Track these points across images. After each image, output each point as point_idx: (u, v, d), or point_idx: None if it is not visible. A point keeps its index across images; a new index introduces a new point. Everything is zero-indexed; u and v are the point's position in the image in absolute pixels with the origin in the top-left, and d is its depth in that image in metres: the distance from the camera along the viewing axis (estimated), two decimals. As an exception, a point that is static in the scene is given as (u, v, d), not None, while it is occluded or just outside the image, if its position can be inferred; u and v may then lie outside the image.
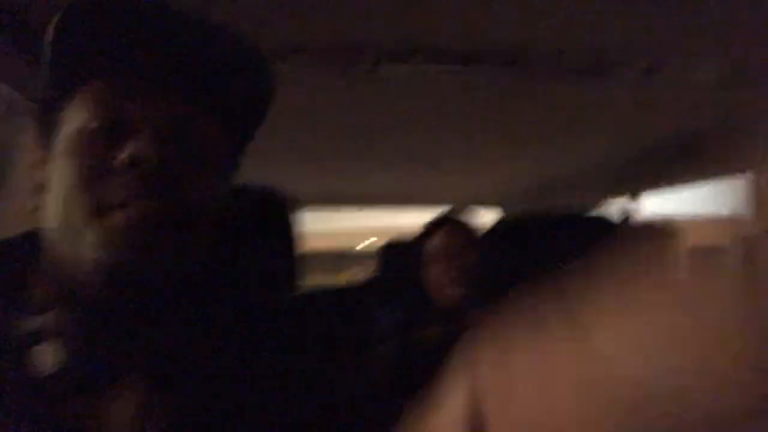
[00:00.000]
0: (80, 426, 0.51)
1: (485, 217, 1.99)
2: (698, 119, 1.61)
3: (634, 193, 2.24)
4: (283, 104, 1.46)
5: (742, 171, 1.89)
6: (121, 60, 0.57)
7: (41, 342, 0.51)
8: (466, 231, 1.81)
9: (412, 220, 2.56)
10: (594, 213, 1.20)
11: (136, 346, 0.55)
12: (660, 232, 1.85)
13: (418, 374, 1.22)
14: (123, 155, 0.53)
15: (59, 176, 0.56)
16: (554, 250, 1.10)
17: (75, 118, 0.57)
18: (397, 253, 2.07)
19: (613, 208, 2.27)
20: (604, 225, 1.17)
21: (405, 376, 1.44)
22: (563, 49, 1.24)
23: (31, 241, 0.60)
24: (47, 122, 0.61)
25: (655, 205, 2.35)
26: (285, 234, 0.97)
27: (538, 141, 1.88)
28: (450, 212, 1.88)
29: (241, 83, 0.62)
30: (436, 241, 1.79)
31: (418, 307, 1.80)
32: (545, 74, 1.32)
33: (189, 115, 0.58)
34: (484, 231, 1.17)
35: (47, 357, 0.51)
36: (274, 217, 0.97)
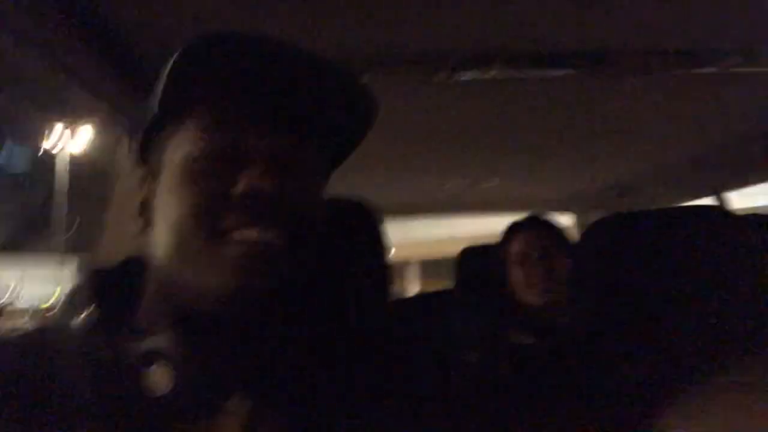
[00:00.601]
0: None
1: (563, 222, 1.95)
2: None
3: (718, 191, 2.17)
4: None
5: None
6: (232, 91, 0.59)
7: (152, 364, 0.53)
8: (553, 232, 1.74)
9: (485, 228, 2.54)
10: (699, 205, 1.15)
11: (244, 367, 0.56)
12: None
13: (508, 383, 1.21)
14: (241, 185, 0.55)
15: (170, 203, 0.57)
16: (662, 248, 1.05)
17: (183, 146, 0.58)
18: (478, 258, 2.03)
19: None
20: (713, 217, 1.10)
21: (494, 385, 1.41)
22: (649, 49, 1.22)
23: (137, 265, 0.62)
24: (151, 148, 0.63)
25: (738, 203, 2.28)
26: (377, 244, 0.98)
27: (618, 143, 1.84)
28: (533, 215, 1.83)
29: (344, 112, 0.64)
30: (522, 242, 1.73)
31: (503, 314, 1.75)
32: (628, 74, 1.29)
33: (298, 143, 0.60)
34: (580, 233, 1.14)
35: (159, 378, 0.52)
36: (365, 227, 0.98)
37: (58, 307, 0.71)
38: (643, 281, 1.06)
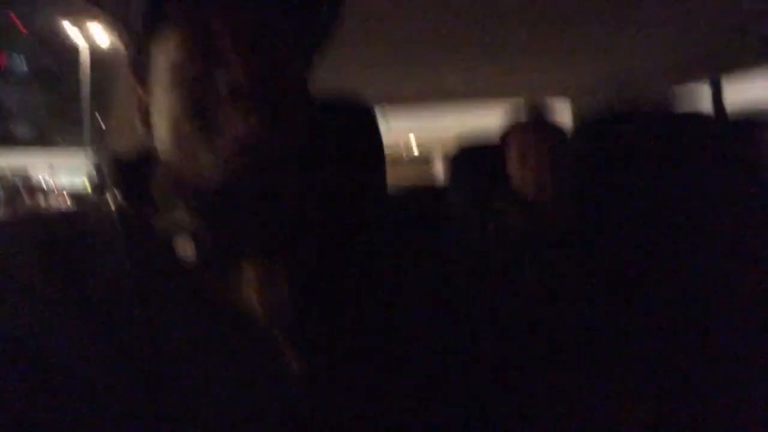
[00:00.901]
0: (219, 298, 0.59)
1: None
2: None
3: (715, 79, 2.08)
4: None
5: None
6: None
7: (176, 235, 0.59)
8: (554, 127, 1.73)
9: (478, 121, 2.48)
10: (685, 108, 1.11)
11: (255, 236, 0.61)
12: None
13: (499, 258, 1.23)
14: (222, 83, 0.57)
15: (162, 109, 0.61)
16: (647, 151, 1.03)
17: (169, 47, 0.60)
18: (475, 150, 2.01)
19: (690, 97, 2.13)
20: (697, 120, 1.08)
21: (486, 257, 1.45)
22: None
23: (148, 154, 0.66)
24: (139, 49, 0.65)
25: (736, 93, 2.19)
26: (374, 139, 0.96)
27: (611, 30, 1.76)
28: (531, 108, 1.79)
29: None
30: (523, 142, 1.72)
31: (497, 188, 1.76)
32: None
33: (275, 37, 0.61)
34: (572, 127, 1.12)
35: (184, 246, 0.58)
36: (363, 124, 0.98)
37: (89, 191, 0.76)
38: (628, 182, 1.05)
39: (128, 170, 0.67)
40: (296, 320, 0.60)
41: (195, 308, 0.58)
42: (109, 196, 0.64)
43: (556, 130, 1.74)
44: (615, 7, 1.59)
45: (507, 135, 1.79)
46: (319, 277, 0.63)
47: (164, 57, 0.60)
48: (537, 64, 2.26)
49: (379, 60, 2.02)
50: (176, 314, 0.57)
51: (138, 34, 0.64)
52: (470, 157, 1.99)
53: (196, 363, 0.56)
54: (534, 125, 1.75)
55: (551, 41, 1.92)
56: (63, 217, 0.66)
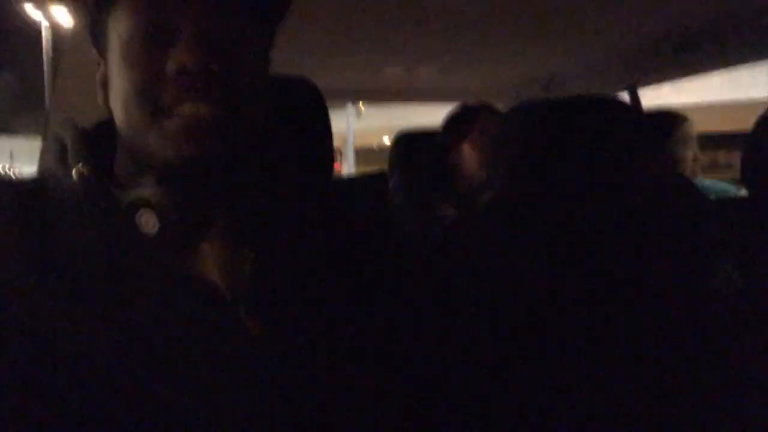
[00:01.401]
0: (179, 270, 0.58)
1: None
2: (701, 12, 1.50)
3: (633, 86, 2.15)
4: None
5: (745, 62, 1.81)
6: None
7: (139, 209, 0.57)
8: (496, 118, 1.74)
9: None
10: (612, 97, 1.13)
11: (215, 210, 0.61)
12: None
13: (437, 253, 1.23)
14: (172, 62, 0.55)
15: (117, 82, 0.59)
16: (570, 132, 1.04)
17: (121, 24, 0.59)
18: (411, 141, 2.01)
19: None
20: (613, 107, 1.10)
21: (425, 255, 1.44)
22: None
23: (108, 126, 0.64)
24: (98, 30, 0.64)
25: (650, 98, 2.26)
26: (322, 122, 0.94)
27: (543, 35, 1.80)
28: (482, 103, 1.80)
29: None
30: (479, 127, 1.73)
31: (436, 191, 1.76)
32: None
33: (224, 17, 0.59)
34: (504, 115, 1.13)
35: (147, 220, 0.57)
36: (312, 106, 0.94)
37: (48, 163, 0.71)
38: (551, 165, 1.05)
39: (90, 142, 0.64)
40: (256, 292, 0.60)
41: (156, 279, 0.57)
42: (72, 168, 0.61)
43: (497, 117, 1.77)
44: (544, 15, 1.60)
45: (454, 122, 1.78)
46: (277, 253, 0.63)
47: (117, 33, 0.59)
48: (476, 69, 2.27)
49: (354, 58, 1.99)
50: (138, 284, 0.56)
51: (94, 8, 0.62)
52: (414, 149, 1.99)
53: (158, 331, 0.54)
54: (484, 110, 1.78)
55: (489, 44, 1.94)
56: (28, 184, 0.63)
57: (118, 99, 0.59)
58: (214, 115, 0.56)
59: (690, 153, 1.90)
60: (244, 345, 0.57)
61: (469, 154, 1.74)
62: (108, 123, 0.65)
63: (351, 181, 2.18)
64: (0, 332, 0.49)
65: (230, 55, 0.58)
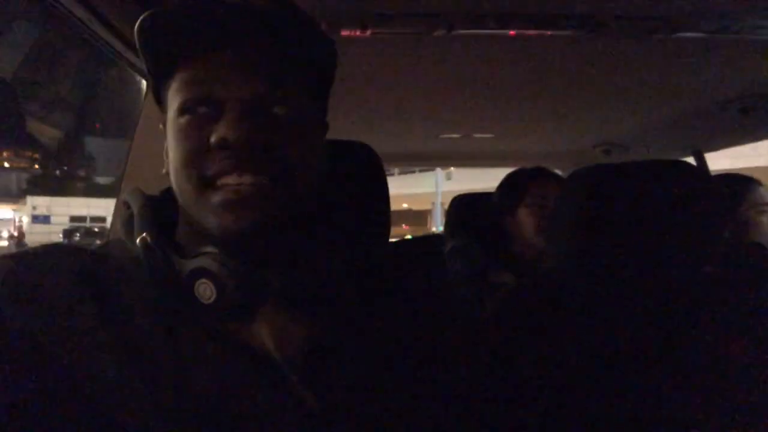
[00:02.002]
0: (236, 339, 0.59)
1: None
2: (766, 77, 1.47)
3: (698, 150, 2.09)
4: (367, 68, 1.41)
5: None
6: (204, 43, 0.60)
7: (199, 279, 0.58)
8: (559, 182, 1.71)
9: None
10: (678, 161, 1.09)
11: (271, 279, 0.61)
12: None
13: (491, 319, 1.19)
14: (216, 134, 0.57)
15: (171, 152, 0.62)
16: (638, 197, 1.01)
17: (174, 98, 0.62)
18: (468, 205, 2.00)
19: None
20: (687, 172, 1.06)
21: (478, 320, 1.40)
22: (634, 12, 1.15)
23: (172, 196, 0.66)
24: (158, 98, 0.67)
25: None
26: (380, 187, 0.94)
27: (601, 102, 1.78)
28: (539, 167, 1.78)
29: (306, 56, 0.65)
30: (537, 191, 1.70)
31: (493, 257, 1.72)
32: (615, 37, 1.23)
33: (268, 89, 0.61)
34: (566, 179, 1.10)
35: (206, 290, 0.58)
36: (370, 170, 0.95)
37: (118, 230, 0.74)
38: (616, 230, 1.02)
39: (155, 211, 0.66)
40: (309, 361, 0.60)
41: (212, 347, 0.58)
42: (137, 237, 0.62)
43: (558, 180, 1.74)
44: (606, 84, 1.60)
45: (518, 185, 1.75)
46: (330, 323, 0.64)
47: (171, 106, 0.62)
48: (534, 134, 2.27)
49: (385, 121, 2.03)
50: (195, 352, 0.57)
51: (154, 81, 0.66)
52: (465, 210, 1.97)
53: (215, 398, 0.55)
54: (542, 174, 1.74)
55: (548, 114, 1.93)
56: (95, 253, 0.65)
57: (172, 169, 0.62)
58: (258, 187, 0.58)
59: (764, 219, 1.81)
60: (298, 417, 0.57)
61: (524, 219, 1.71)
62: (172, 192, 0.67)
63: (408, 243, 2.19)
64: (63, 395, 0.50)
65: (275, 125, 0.60)
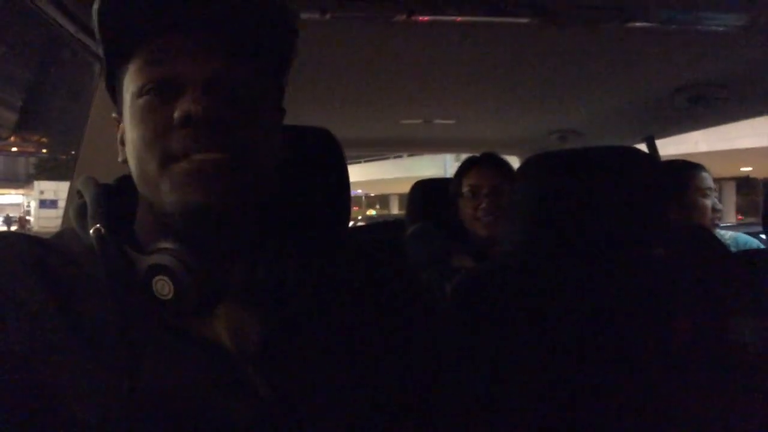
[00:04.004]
0: (196, 338, 0.59)
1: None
2: (714, 67, 1.51)
3: (650, 137, 2.15)
4: (327, 53, 1.40)
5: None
6: (162, 25, 0.60)
7: (156, 275, 0.57)
8: (504, 169, 1.74)
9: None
10: (628, 147, 1.13)
11: (229, 276, 0.62)
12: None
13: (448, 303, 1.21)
14: (178, 111, 0.57)
15: (130, 136, 0.61)
16: (589, 184, 1.03)
17: (132, 81, 0.61)
18: (428, 190, 2.01)
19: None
20: (636, 158, 1.09)
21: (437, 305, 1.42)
22: (587, 2, 1.17)
23: (130, 185, 0.65)
24: (113, 83, 0.66)
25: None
26: (340, 173, 0.94)
27: (558, 89, 1.82)
28: (487, 152, 1.80)
29: (270, 33, 0.64)
30: (475, 176, 1.73)
31: (453, 242, 1.74)
32: (566, 23, 1.25)
33: (229, 68, 0.60)
34: (516, 168, 1.13)
35: (163, 286, 0.57)
36: (329, 156, 0.94)
37: (71, 221, 0.71)
38: (567, 214, 1.05)
39: (110, 202, 0.64)
40: (263, 352, 0.60)
41: (169, 341, 0.58)
42: (90, 228, 0.61)
43: (504, 166, 1.77)
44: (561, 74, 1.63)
45: (462, 171, 1.78)
46: (286, 314, 0.63)
47: (130, 89, 0.61)
48: (493, 121, 2.29)
49: (345, 106, 2.03)
50: (151, 346, 0.56)
51: (109, 67, 0.65)
52: (424, 196, 1.99)
53: (167, 392, 0.55)
54: (484, 160, 1.78)
55: (503, 98, 1.95)
56: (49, 240, 0.64)
57: (132, 152, 0.61)
58: (222, 162, 0.57)
59: (708, 202, 1.88)
60: (252, 406, 0.57)
61: (462, 205, 1.74)
62: (129, 181, 0.66)
63: (368, 228, 2.19)
64: (14, 385, 0.49)
65: (235, 103, 0.59)
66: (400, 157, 21.48)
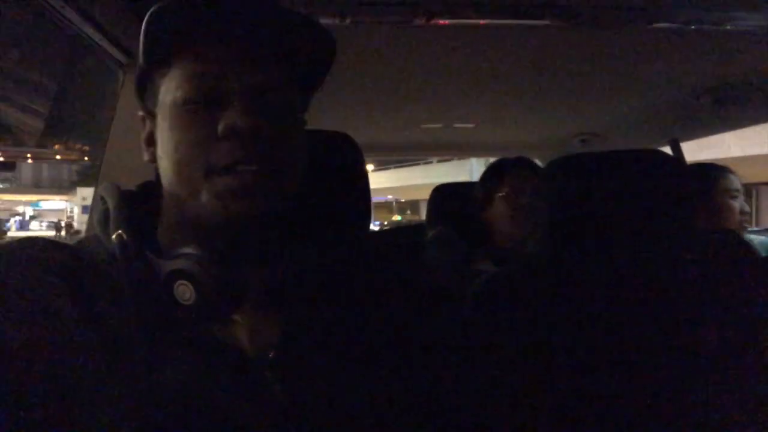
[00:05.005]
0: (214, 343, 0.60)
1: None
2: (740, 67, 1.48)
3: (675, 140, 2.11)
4: (346, 57, 1.39)
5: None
6: (207, 40, 0.61)
7: (177, 280, 0.58)
8: (533, 174, 1.72)
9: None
10: (654, 150, 1.11)
11: (249, 281, 0.62)
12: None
13: (468, 308, 1.20)
14: (223, 124, 0.58)
15: (169, 143, 0.62)
16: (614, 186, 1.02)
17: (171, 92, 0.62)
18: (449, 195, 2.00)
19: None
20: (661, 161, 1.07)
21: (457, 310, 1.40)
22: (611, 3, 1.15)
23: (153, 190, 0.67)
24: (147, 92, 0.67)
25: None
26: (360, 177, 0.94)
27: (579, 92, 1.80)
28: (519, 157, 1.78)
29: (306, 51, 0.67)
30: (515, 179, 1.71)
31: (473, 247, 1.73)
32: (588, 25, 1.23)
33: (270, 80, 0.62)
34: (543, 169, 1.11)
35: (184, 291, 0.58)
36: (349, 161, 0.94)
37: (93, 227, 0.72)
38: (591, 218, 1.03)
39: (133, 207, 0.65)
40: (280, 356, 0.61)
41: (190, 347, 0.58)
42: (113, 234, 0.62)
43: (537, 170, 1.75)
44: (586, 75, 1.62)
45: (495, 175, 1.77)
46: (305, 318, 0.64)
47: (171, 94, 0.62)
48: (514, 124, 2.27)
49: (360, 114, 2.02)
50: (171, 350, 0.57)
51: (144, 69, 0.66)
52: (445, 200, 1.98)
53: (187, 393, 0.56)
54: (520, 164, 1.76)
55: (526, 101, 1.94)
56: (73, 247, 0.64)
57: (169, 159, 0.61)
58: (265, 173, 0.59)
59: (736, 204, 1.84)
60: (270, 410, 0.58)
61: (499, 209, 1.72)
62: (152, 187, 0.67)
63: (389, 232, 2.18)
64: (37, 388, 0.49)
65: (275, 116, 0.61)
66: (429, 162, 21.44)
